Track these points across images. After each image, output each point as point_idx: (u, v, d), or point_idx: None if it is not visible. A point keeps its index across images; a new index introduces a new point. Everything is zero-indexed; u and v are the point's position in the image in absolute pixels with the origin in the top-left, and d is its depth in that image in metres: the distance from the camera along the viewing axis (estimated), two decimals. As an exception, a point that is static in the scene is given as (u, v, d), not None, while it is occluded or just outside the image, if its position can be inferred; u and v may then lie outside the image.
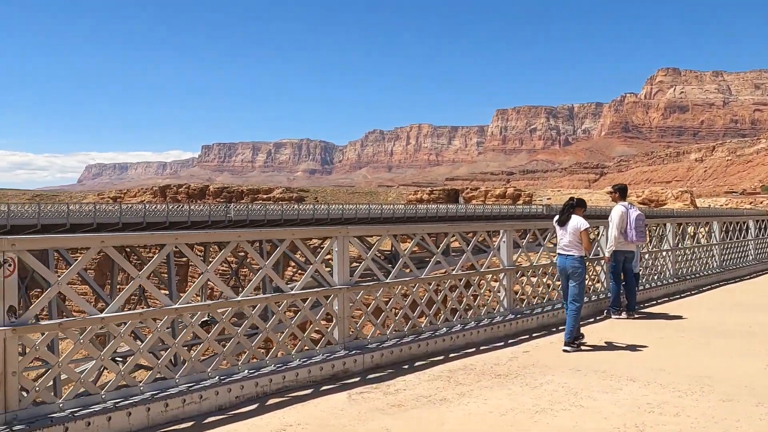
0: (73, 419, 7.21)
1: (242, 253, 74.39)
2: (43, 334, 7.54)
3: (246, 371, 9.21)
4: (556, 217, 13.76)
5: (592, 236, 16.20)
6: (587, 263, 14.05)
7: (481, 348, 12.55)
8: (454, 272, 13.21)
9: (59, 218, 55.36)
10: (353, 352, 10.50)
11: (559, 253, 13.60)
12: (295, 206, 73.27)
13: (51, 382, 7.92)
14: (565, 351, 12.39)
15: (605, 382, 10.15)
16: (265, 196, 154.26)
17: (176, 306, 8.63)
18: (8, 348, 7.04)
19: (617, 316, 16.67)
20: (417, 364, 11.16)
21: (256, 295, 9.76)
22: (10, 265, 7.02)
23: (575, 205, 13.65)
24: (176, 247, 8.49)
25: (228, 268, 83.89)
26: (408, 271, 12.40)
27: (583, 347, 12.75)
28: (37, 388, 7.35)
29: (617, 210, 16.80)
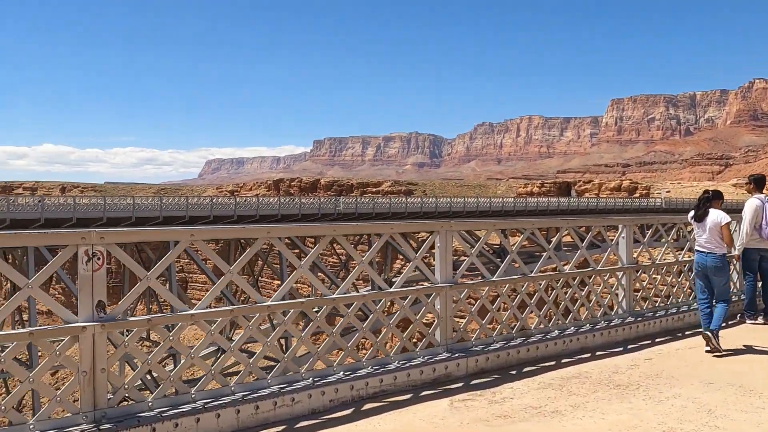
0: (160, 420, 6.93)
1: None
2: (131, 330, 7.34)
3: (341, 373, 8.71)
4: (691, 213, 12.51)
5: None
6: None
7: (597, 354, 11.50)
8: (567, 269, 12.23)
9: (179, 211, 57.68)
10: (456, 354, 9.80)
11: (697, 251, 12.36)
12: (403, 199, 73.16)
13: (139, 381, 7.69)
14: (707, 351, 11.36)
15: (744, 398, 8.91)
16: (374, 190, 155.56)
17: (269, 303, 8.24)
18: (97, 344, 6.83)
19: (753, 321, 15.01)
20: (525, 369, 10.30)
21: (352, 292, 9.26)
22: (99, 259, 6.81)
23: (711, 198, 12.34)
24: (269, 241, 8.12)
25: (338, 260, 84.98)
26: (516, 266, 11.53)
27: (715, 354, 11.46)
28: (126, 386, 7.14)
29: (751, 203, 15.06)
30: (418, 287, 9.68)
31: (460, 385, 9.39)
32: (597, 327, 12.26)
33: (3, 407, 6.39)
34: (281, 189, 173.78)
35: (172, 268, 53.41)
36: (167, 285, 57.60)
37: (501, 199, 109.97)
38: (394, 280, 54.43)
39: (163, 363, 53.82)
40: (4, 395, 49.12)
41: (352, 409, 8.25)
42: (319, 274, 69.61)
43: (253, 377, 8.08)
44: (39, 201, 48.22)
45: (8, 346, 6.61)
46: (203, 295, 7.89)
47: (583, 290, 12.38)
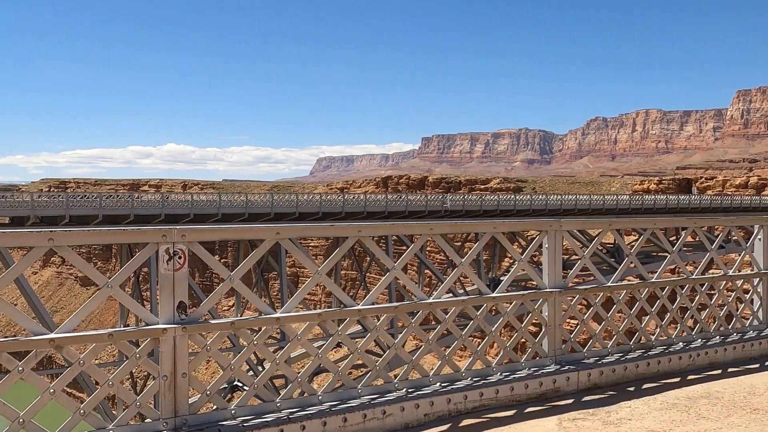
0: (243, 430, 6.52)
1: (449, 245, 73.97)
2: (212, 334, 6.97)
3: (437, 384, 8.02)
4: None
5: None
6: None
7: (729, 371, 10.21)
8: (694, 274, 10.98)
9: (289, 208, 58.76)
10: (565, 367, 8.89)
11: None
12: (512, 197, 71.43)
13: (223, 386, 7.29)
14: None
15: None
16: (482, 187, 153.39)
17: (360, 307, 7.68)
18: (178, 348, 6.49)
19: None
20: (645, 386, 9.23)
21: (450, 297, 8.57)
22: (180, 258, 6.47)
23: None
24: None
25: (445, 259, 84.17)
26: (632, 266, 10.39)
27: None
28: (209, 392, 6.77)
29: None
30: (523, 292, 8.86)
31: (569, 401, 8.48)
32: (729, 340, 10.93)
33: (83, 411, 6.16)
34: (389, 186, 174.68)
35: (282, 266, 54.35)
36: (279, 283, 58.65)
37: (615, 197, 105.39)
38: (501, 278, 52.91)
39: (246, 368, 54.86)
40: (83, 398, 50.94)
41: (448, 425, 7.55)
42: (423, 272, 69.01)
43: (340, 385, 7.55)
44: (163, 197, 50.34)
45: (88, 348, 6.39)
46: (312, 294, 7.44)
47: (711, 298, 11.08)
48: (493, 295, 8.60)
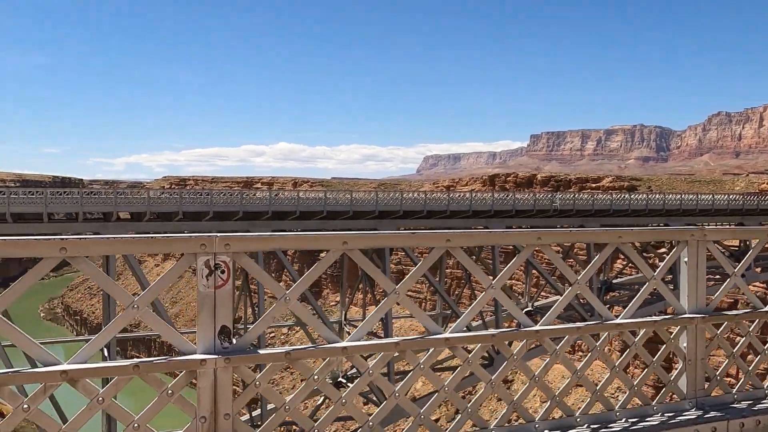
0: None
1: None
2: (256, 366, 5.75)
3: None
4: None
5: None
6: None
7: None
8: None
9: (394, 206, 57.81)
10: (710, 413, 7.07)
11: None
12: (626, 195, 67.40)
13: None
14: None
15: None
16: (593, 185, 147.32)
17: (448, 335, 6.21)
18: (220, 383, 5.27)
19: None
20: (816, 441, 7.25)
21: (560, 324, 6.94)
22: (223, 272, 5.26)
23: None
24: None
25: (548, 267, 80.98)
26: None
27: None
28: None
29: None
30: (655, 318, 7.12)
31: (716, 459, 6.68)
32: None
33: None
34: (496, 184, 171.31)
35: (383, 272, 53.47)
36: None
37: (741, 196, 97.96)
38: (614, 281, 49.37)
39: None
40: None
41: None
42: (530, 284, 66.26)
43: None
44: (273, 195, 50.67)
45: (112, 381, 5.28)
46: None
47: None
48: (618, 321, 6.89)
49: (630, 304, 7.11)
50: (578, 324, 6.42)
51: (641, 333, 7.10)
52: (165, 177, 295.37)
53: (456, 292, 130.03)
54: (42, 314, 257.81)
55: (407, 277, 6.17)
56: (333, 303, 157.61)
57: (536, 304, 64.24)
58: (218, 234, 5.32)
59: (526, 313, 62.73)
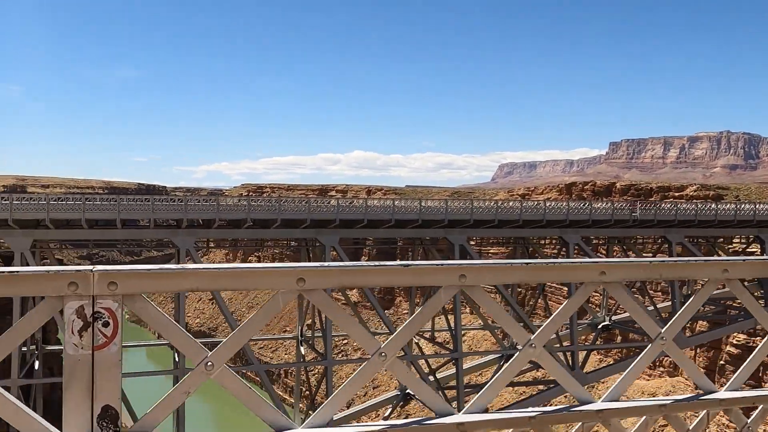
0: None
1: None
2: None
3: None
4: None
5: None
6: None
7: None
8: None
9: (464, 215, 56.58)
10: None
11: None
12: (712, 205, 63.86)
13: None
14: None
15: None
16: (676, 194, 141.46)
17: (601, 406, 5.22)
18: None
19: None
20: None
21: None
22: (107, 324, 3.95)
23: None
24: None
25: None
26: None
27: None
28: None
29: None
30: None
31: None
32: None
33: None
34: (573, 193, 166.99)
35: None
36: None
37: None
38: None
39: None
40: None
41: None
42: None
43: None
44: (341, 203, 50.41)
45: None
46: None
47: None
48: (721, 396, 5.37)
49: (739, 371, 5.58)
50: (662, 400, 5.01)
51: (758, 411, 5.49)
52: (243, 184, 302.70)
53: (529, 302, 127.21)
54: (127, 316, 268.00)
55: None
56: (405, 311, 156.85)
57: (615, 318, 61.56)
58: (97, 268, 3.83)
59: (603, 327, 60.23)
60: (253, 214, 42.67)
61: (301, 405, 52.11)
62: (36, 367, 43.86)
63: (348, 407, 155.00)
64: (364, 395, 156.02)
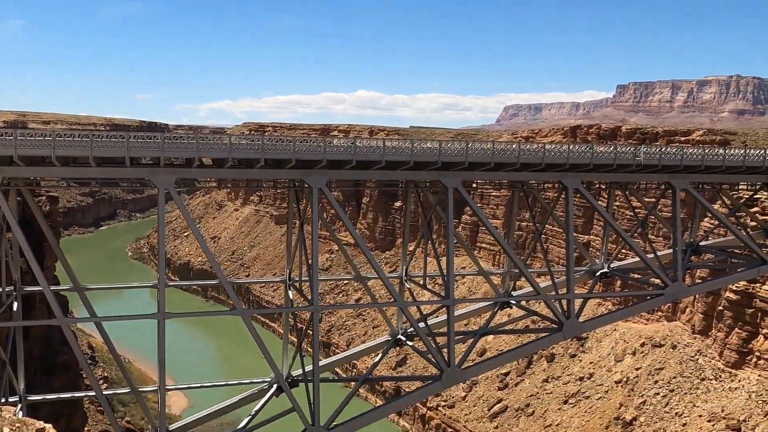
0: None
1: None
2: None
3: None
4: None
5: None
6: None
7: None
8: None
9: (459, 157, 54.11)
10: None
11: None
12: (719, 151, 61.40)
13: None
14: None
15: None
16: (682, 139, 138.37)
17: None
18: None
19: None
20: None
21: None
22: None
23: None
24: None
25: (634, 216, 75.37)
26: None
27: None
28: None
29: None
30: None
31: None
32: None
33: None
34: (578, 136, 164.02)
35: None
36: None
37: None
38: (700, 244, 44.36)
39: None
40: None
41: None
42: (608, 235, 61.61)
43: None
44: (354, 142, 47.90)
45: None
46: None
47: None
48: None
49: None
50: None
51: None
52: (245, 123, 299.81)
53: (530, 246, 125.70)
54: (129, 253, 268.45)
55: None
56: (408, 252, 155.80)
57: (614, 265, 59.91)
58: None
59: (601, 275, 58.62)
60: (235, 153, 40.54)
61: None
62: (14, 308, 42.56)
63: (348, 346, 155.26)
64: (364, 334, 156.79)
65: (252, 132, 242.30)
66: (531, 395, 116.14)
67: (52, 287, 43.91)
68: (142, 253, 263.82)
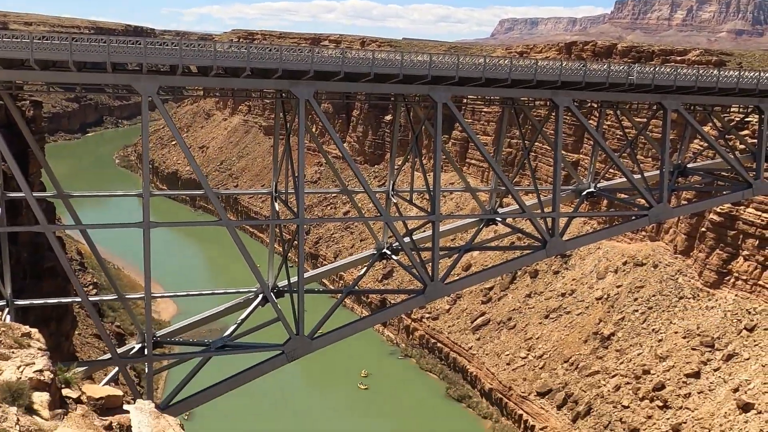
0: None
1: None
2: None
3: None
4: None
5: None
6: None
7: None
8: None
9: (449, 71, 53.02)
10: None
11: None
12: (714, 71, 60.57)
13: None
14: None
15: None
16: (678, 58, 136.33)
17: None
18: None
19: None
20: None
21: None
22: None
23: None
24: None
25: (624, 136, 74.96)
26: None
27: None
28: None
29: None
30: None
31: None
32: None
33: None
34: (573, 53, 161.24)
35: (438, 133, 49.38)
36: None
37: None
38: (688, 165, 44.34)
39: None
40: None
41: None
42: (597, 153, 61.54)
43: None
44: (343, 53, 46.48)
45: None
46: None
47: None
48: None
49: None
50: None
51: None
52: (234, 30, 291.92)
53: (519, 163, 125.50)
54: (117, 161, 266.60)
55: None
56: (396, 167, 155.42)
57: (600, 185, 60.05)
58: None
59: (587, 195, 58.84)
60: (220, 60, 39.45)
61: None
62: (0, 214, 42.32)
63: (335, 258, 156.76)
64: (352, 247, 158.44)
65: (240, 39, 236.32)
66: (513, 309, 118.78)
67: (37, 194, 43.64)
68: (129, 161, 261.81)
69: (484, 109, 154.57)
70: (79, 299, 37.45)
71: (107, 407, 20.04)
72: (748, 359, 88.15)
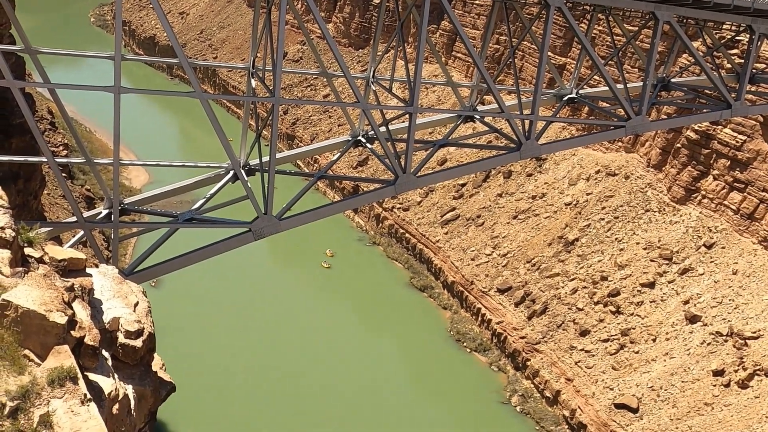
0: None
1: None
2: None
3: None
4: None
5: None
6: None
7: None
8: None
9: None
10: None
11: None
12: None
13: None
14: None
15: None
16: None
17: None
18: None
19: None
20: None
21: None
22: None
23: None
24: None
25: (612, 44, 73.53)
26: None
27: None
28: None
29: None
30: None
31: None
32: None
33: None
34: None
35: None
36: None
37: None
38: (672, 80, 43.76)
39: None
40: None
41: None
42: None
43: None
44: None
45: None
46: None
47: None
48: None
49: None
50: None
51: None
52: None
53: (503, 61, 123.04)
54: (92, 19, 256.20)
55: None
56: (379, 54, 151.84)
57: (583, 92, 59.45)
58: None
59: (568, 100, 58.42)
60: None
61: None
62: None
63: (312, 141, 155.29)
64: (329, 131, 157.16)
65: None
66: (483, 207, 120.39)
67: (4, 47, 41.97)
68: (105, 20, 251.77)
69: (476, 1, 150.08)
70: (45, 159, 36.79)
71: (70, 269, 20.19)
72: (702, 274, 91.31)
